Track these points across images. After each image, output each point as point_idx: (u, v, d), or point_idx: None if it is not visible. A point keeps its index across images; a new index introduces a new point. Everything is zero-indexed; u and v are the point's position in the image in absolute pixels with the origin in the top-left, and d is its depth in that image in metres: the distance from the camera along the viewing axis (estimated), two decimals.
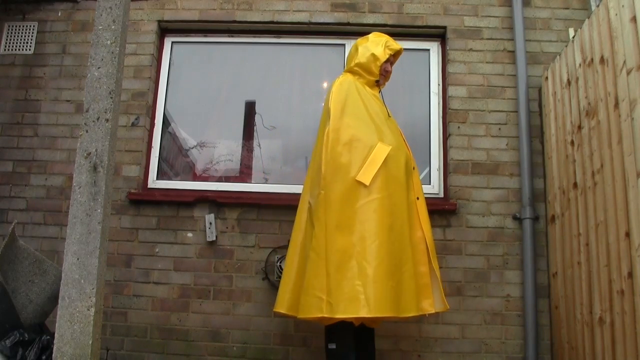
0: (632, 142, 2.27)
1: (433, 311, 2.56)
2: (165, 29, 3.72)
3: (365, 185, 2.45)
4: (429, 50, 3.64)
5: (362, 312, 2.30)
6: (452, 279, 3.19)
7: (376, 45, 2.77)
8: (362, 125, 2.59)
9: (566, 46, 3.08)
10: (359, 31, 3.50)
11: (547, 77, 3.31)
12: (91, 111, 2.22)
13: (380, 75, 2.80)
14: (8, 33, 3.69)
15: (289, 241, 2.73)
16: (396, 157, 2.58)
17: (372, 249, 2.38)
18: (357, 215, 2.43)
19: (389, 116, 2.77)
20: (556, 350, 3.05)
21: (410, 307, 2.44)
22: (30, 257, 2.66)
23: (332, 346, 2.51)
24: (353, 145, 2.52)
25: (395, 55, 2.87)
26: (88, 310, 2.05)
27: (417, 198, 2.67)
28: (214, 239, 3.29)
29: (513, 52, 3.46)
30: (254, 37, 3.72)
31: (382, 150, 2.52)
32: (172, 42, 3.73)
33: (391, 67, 2.88)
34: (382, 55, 2.74)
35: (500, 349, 3.10)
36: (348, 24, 3.58)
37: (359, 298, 2.31)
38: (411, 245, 2.53)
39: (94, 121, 2.21)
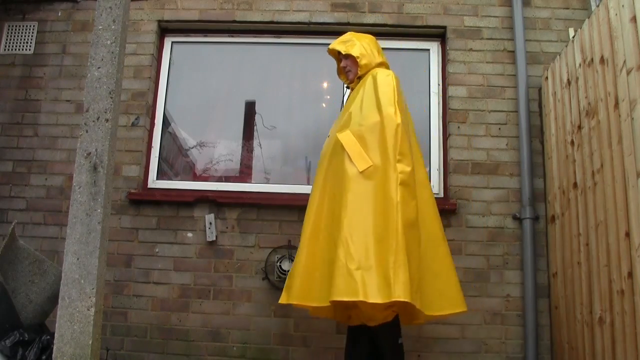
0: (632, 142, 2.27)
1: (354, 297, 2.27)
2: (165, 29, 3.72)
3: None
4: (429, 50, 3.64)
5: (283, 299, 2.52)
6: None
7: None
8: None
9: (566, 46, 3.08)
10: (359, 31, 3.49)
11: (547, 77, 3.31)
12: (91, 111, 2.22)
13: (343, 75, 2.95)
14: (8, 33, 3.69)
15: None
16: (323, 149, 2.74)
17: (301, 240, 2.57)
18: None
19: (350, 108, 2.76)
20: (556, 350, 3.05)
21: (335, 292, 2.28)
22: (30, 257, 2.66)
23: (401, 340, 2.53)
24: None
25: (338, 54, 2.90)
26: (88, 310, 2.05)
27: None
28: (214, 239, 3.29)
29: (513, 52, 3.46)
30: (254, 37, 3.72)
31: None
32: (172, 42, 3.73)
33: (342, 62, 2.91)
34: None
35: (500, 349, 3.10)
36: (348, 24, 3.57)
37: (288, 286, 2.53)
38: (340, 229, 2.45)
39: (94, 121, 2.21)
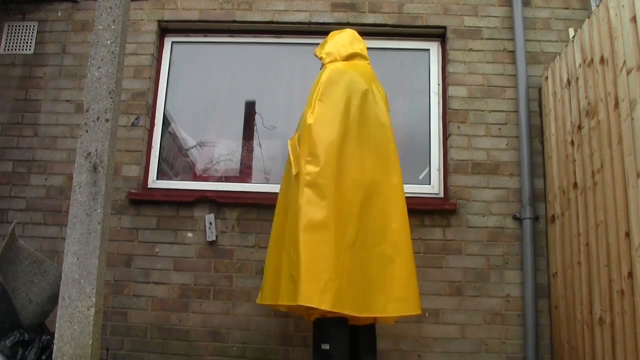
0: (632, 142, 2.27)
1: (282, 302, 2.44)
2: (165, 29, 3.72)
3: None
4: (429, 50, 3.64)
5: (258, 299, 2.71)
6: (452, 279, 3.19)
7: None
8: None
9: (566, 46, 3.08)
10: (359, 31, 3.47)
11: (547, 77, 3.31)
12: (91, 111, 2.22)
13: None
14: (8, 33, 3.69)
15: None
16: None
17: (270, 242, 2.73)
18: None
19: None
20: (556, 350, 3.05)
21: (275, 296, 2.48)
22: (30, 257, 2.66)
23: (327, 347, 2.40)
24: None
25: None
26: (88, 310, 2.05)
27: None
28: (214, 239, 3.28)
29: (513, 52, 3.46)
30: (254, 37, 3.72)
31: None
32: (172, 42, 3.73)
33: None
34: None
35: (500, 349, 3.10)
36: (348, 24, 3.57)
37: (262, 286, 2.71)
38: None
39: (94, 121, 2.21)
